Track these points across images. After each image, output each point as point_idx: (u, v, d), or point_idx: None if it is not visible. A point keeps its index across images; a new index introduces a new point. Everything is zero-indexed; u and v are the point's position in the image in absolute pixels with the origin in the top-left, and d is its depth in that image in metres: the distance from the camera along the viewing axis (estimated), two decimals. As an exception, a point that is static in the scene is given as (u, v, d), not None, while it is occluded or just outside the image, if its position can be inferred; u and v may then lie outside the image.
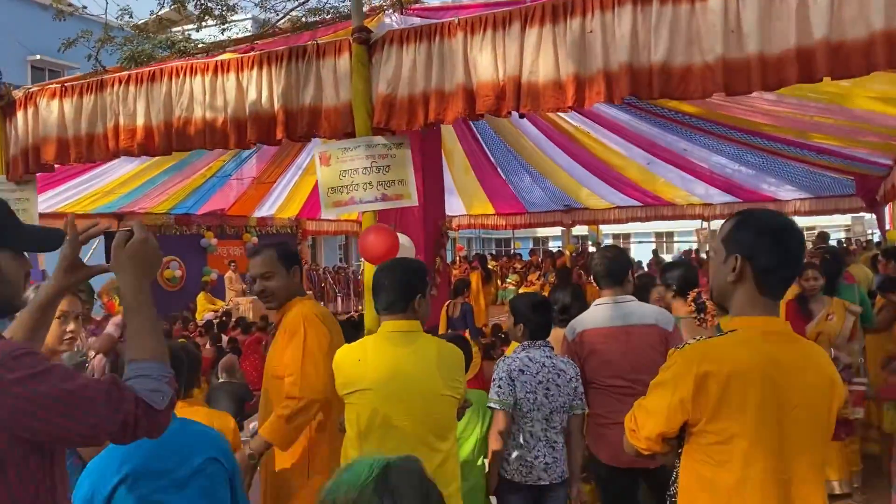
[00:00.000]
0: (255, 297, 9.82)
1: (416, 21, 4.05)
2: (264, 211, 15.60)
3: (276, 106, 3.96)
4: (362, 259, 15.33)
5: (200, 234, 14.89)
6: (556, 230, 25.88)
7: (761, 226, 1.76)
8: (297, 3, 7.50)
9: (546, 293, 19.02)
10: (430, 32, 3.57)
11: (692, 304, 3.98)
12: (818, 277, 4.96)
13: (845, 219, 24.58)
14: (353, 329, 3.71)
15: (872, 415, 5.40)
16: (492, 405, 3.20)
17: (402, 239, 3.92)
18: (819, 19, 2.55)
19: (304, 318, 2.98)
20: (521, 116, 3.57)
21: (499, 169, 13.21)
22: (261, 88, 4.02)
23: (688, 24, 2.83)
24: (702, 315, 3.87)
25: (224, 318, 11.40)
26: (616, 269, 3.45)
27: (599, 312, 3.43)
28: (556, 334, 3.56)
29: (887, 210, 10.22)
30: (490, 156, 12.52)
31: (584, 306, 3.78)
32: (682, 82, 2.87)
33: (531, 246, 30.34)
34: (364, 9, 4.29)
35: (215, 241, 15.21)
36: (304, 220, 17.11)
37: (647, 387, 3.14)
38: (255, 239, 16.12)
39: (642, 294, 4.96)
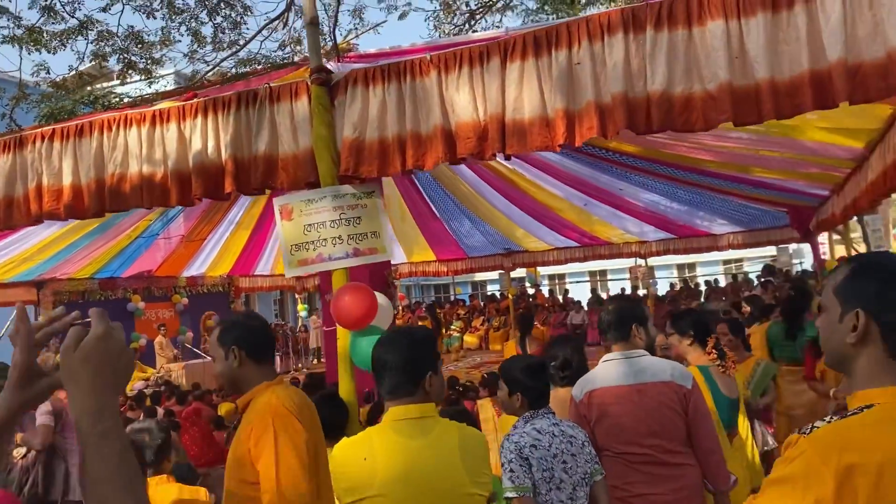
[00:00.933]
0: (187, 362, 9.13)
1: (380, 61, 3.79)
2: (194, 270, 14.96)
3: (225, 156, 3.60)
4: (301, 315, 14.80)
5: (127, 299, 14.12)
6: (494, 274, 25.95)
7: (885, 272, 1.43)
8: (228, 53, 7.21)
9: (490, 338, 18.73)
10: (398, 71, 3.32)
11: (713, 351, 3.69)
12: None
13: (771, 250, 25.61)
14: (330, 405, 3.26)
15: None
16: (509, 495, 2.70)
17: (380, 299, 3.54)
18: (833, 39, 2.46)
19: (273, 413, 2.40)
20: (507, 158, 3.33)
21: (438, 214, 13.09)
22: (206, 138, 3.66)
23: (686, 51, 2.70)
24: (724, 363, 3.64)
25: (157, 388, 10.70)
26: (626, 320, 3.09)
27: (610, 369, 3.08)
28: (556, 395, 3.22)
29: (827, 238, 10.53)
30: (429, 201, 12.38)
31: (584, 361, 3.51)
32: (685, 112, 2.71)
33: (469, 291, 30.29)
34: (296, 59, 3.99)
35: (143, 305, 14.44)
36: (237, 278, 16.51)
37: (667, 453, 2.88)
38: (185, 300, 15.40)
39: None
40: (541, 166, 9.93)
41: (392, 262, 13.42)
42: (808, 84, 2.45)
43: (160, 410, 8.29)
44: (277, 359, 16.70)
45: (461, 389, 7.75)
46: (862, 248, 10.86)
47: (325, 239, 3.51)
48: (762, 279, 15.03)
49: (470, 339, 18.28)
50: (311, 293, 19.01)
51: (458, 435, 2.17)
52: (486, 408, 6.91)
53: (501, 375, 3.02)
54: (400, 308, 18.36)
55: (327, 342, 8.83)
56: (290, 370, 16.80)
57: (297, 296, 18.93)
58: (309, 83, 3.50)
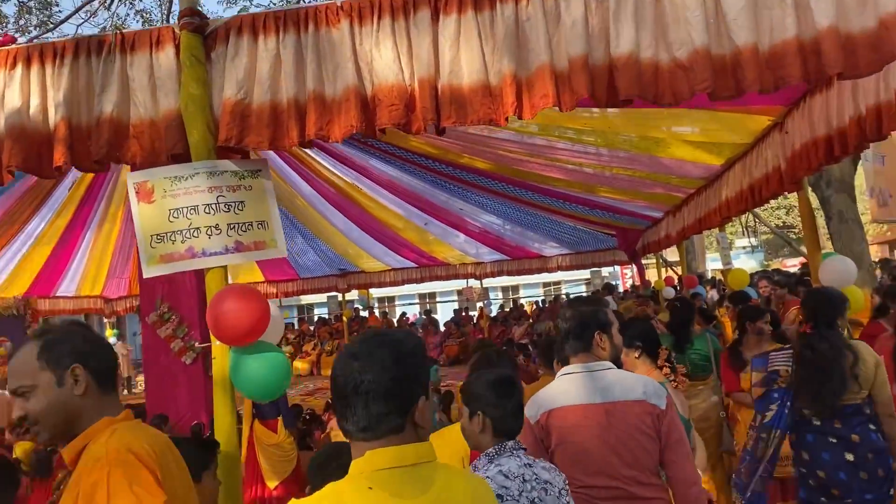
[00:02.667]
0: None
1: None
2: (-21, 290, 12.84)
3: (55, 119, 2.76)
4: (111, 341, 13.18)
5: None
6: (322, 297, 25.16)
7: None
8: (36, 34, 6.14)
9: (322, 363, 17.88)
10: (297, 19, 2.66)
11: (666, 364, 3.34)
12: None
13: (585, 273, 27.19)
14: (198, 449, 2.48)
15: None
16: None
17: (271, 308, 2.90)
18: (823, 3, 2.21)
19: (111, 462, 1.67)
20: (440, 132, 2.77)
21: (269, 231, 12.24)
22: (28, 94, 2.77)
23: (655, 11, 2.38)
24: (675, 377, 3.31)
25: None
26: (587, 326, 2.61)
27: (570, 385, 2.58)
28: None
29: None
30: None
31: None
32: (654, 81, 2.41)
33: (296, 315, 29.08)
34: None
35: None
36: (35, 299, 14.44)
37: (640, 486, 2.43)
38: (-36, 327, 13.13)
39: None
40: (381, 182, 9.56)
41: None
42: (797, 53, 2.28)
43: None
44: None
45: (308, 418, 7.10)
46: (679, 270, 11.64)
47: (197, 228, 2.77)
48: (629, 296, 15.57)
49: (301, 365, 17.37)
50: (121, 317, 17.12)
51: (466, 487, 1.54)
52: (339, 434, 6.30)
53: (461, 394, 2.46)
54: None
55: (148, 369, 7.79)
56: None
57: (105, 320, 16.97)
58: (177, 30, 2.74)
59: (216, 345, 2.62)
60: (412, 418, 1.46)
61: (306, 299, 29.68)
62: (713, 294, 12.49)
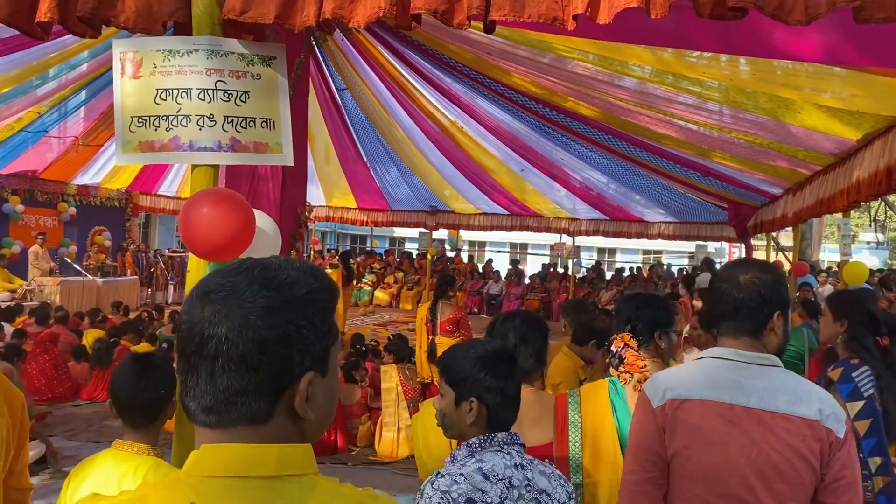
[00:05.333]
0: (63, 279, 7.86)
1: None
2: (88, 178, 13.48)
3: None
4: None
5: (4, 198, 12.51)
6: (414, 231, 25.32)
7: None
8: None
9: (402, 296, 18.09)
10: None
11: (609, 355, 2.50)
12: None
13: (689, 246, 25.92)
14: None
15: None
16: None
17: (262, 219, 2.56)
18: None
19: None
20: (489, 30, 2.20)
21: (365, 158, 12.11)
22: None
23: None
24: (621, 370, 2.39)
25: (19, 302, 9.39)
26: (758, 303, 1.86)
27: (715, 374, 1.86)
28: (527, 396, 2.06)
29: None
30: (358, 144, 11.39)
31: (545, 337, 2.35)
32: None
33: (387, 245, 29.41)
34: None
35: (22, 208, 12.84)
36: (137, 194, 15.07)
37: None
38: (72, 210, 13.88)
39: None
40: (485, 123, 9.14)
41: (309, 202, 12.44)
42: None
43: (8, 328, 7.11)
44: (171, 287, 15.44)
45: (364, 350, 6.94)
46: (791, 256, 10.67)
47: (186, 116, 2.38)
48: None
49: (381, 295, 17.50)
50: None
51: None
52: (389, 375, 6.15)
53: (442, 372, 1.93)
54: (312, 252, 17.33)
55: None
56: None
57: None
58: None
59: (192, 257, 2.32)
60: (287, 404, 0.95)
61: (399, 232, 29.96)
62: (828, 287, 11.45)
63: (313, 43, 6.84)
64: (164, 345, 7.30)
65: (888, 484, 2.81)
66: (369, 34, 6.57)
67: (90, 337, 7.35)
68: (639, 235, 13.61)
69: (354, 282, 14.99)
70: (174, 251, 16.71)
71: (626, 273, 18.37)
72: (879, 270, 15.06)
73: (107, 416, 6.22)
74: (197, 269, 2.37)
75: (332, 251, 19.90)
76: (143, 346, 7.72)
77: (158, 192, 15.19)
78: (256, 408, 0.94)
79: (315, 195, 13.91)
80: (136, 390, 2.06)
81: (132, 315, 10.10)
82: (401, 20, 2.14)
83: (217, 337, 0.92)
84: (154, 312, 10.11)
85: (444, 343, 6.59)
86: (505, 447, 1.78)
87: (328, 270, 11.73)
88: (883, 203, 16.93)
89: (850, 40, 3.21)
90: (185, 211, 2.18)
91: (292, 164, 2.53)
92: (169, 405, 2.14)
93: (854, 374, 2.97)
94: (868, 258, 29.98)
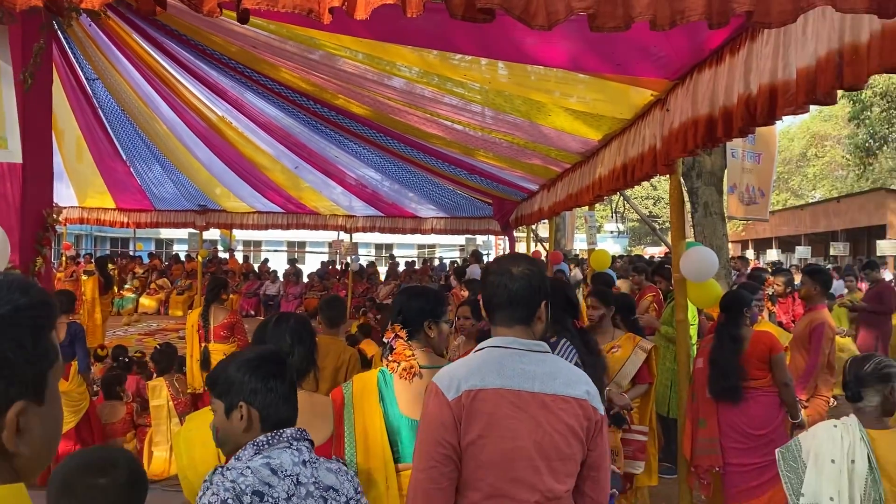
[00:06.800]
0: None
1: None
2: None
3: None
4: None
5: None
6: (183, 232, 23.86)
7: None
8: None
9: (171, 302, 16.97)
10: None
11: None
12: (598, 307, 4.50)
13: (460, 239, 27.25)
14: None
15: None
16: None
17: None
18: None
19: None
20: (244, 18, 2.04)
21: (123, 155, 11.16)
22: None
23: None
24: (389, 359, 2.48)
25: None
26: (529, 293, 1.97)
27: (496, 363, 1.93)
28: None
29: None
30: (114, 139, 10.46)
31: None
32: None
33: (153, 248, 27.34)
34: None
35: None
36: None
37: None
38: None
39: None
40: (255, 119, 8.85)
41: (58, 203, 11.18)
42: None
43: None
44: None
45: (127, 362, 6.39)
46: (548, 246, 11.66)
47: None
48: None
49: (148, 302, 16.26)
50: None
51: None
52: (158, 391, 5.70)
53: (210, 387, 1.86)
54: (64, 258, 15.62)
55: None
56: None
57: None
58: None
59: None
60: None
61: (166, 233, 28.06)
62: (577, 272, 12.67)
63: (56, 28, 6.15)
64: None
65: None
66: (121, 20, 6.05)
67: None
68: (413, 231, 14.05)
69: (115, 289, 13.76)
70: None
71: (403, 267, 18.87)
72: (620, 256, 16.97)
73: None
74: None
75: (87, 256, 18.07)
76: None
77: None
78: None
79: (66, 195, 12.53)
80: None
81: None
82: (143, 3, 1.98)
83: None
84: None
85: (217, 349, 6.28)
86: (294, 443, 1.75)
87: (83, 278, 10.66)
88: (621, 196, 19.11)
89: (589, 48, 3.57)
90: None
91: (20, 161, 2.25)
92: None
93: (557, 349, 3.27)
94: (612, 246, 33.79)
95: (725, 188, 10.19)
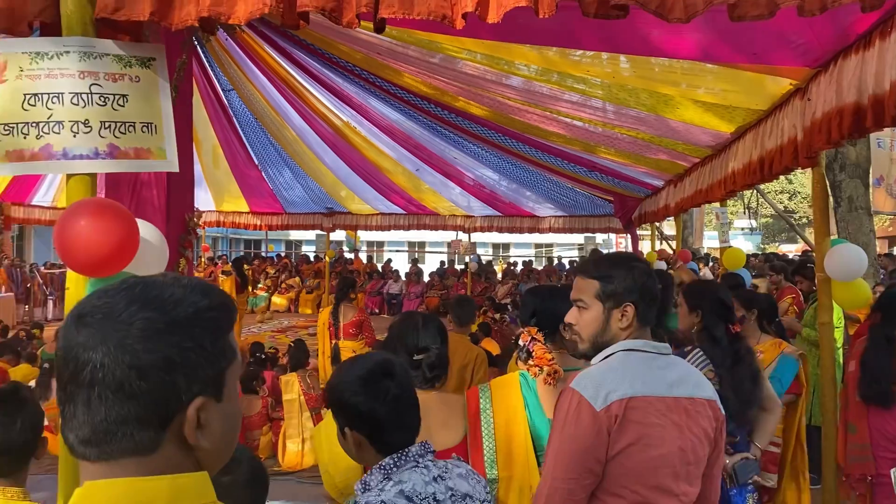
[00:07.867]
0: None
1: None
2: (-51, 189, 12.41)
3: None
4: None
5: None
6: (311, 234, 24.88)
7: None
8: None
9: (301, 300, 17.71)
10: None
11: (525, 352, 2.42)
12: (738, 309, 4.17)
13: (579, 238, 26.84)
14: None
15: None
16: None
17: (146, 230, 2.37)
18: None
19: None
20: (379, 29, 2.18)
21: (256, 161, 11.79)
22: None
23: None
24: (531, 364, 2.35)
25: None
26: (654, 295, 1.93)
27: (636, 369, 1.86)
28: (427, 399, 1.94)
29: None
30: (248, 146, 11.07)
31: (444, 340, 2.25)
32: None
33: (283, 249, 28.75)
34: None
35: None
36: (9, 205, 14.01)
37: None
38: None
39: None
40: (378, 124, 9.10)
41: (198, 208, 11.95)
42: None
43: None
44: (51, 303, 14.50)
45: (263, 358, 6.74)
46: (674, 245, 11.24)
47: (59, 122, 2.20)
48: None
49: (279, 301, 17.10)
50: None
51: None
52: (291, 385, 5.99)
53: (328, 398, 1.79)
54: (203, 259, 16.72)
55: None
56: (63, 317, 14.69)
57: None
58: None
59: (70, 273, 2.16)
60: (177, 433, 0.87)
61: (295, 235, 29.36)
62: (706, 272, 12.15)
63: (196, 43, 6.59)
64: (46, 365, 6.83)
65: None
66: (255, 33, 6.39)
67: (18, 374, 6.75)
68: (530, 230, 13.94)
69: (250, 288, 14.57)
70: (53, 265, 15.67)
71: (521, 267, 18.80)
72: (754, 255, 16.11)
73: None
74: (76, 287, 2.20)
75: (224, 257, 19.25)
76: (23, 368, 7.19)
77: (32, 203, 14.19)
78: (140, 438, 0.86)
79: (204, 200, 13.40)
80: (9, 433, 1.82)
81: (10, 334, 9.39)
82: (287, 18, 2.06)
83: (92, 363, 0.84)
84: (33, 330, 9.42)
85: (347, 346, 6.50)
86: (421, 461, 1.67)
87: (221, 278, 11.34)
88: (754, 191, 18.11)
89: (721, 38, 3.40)
90: (60, 224, 2.01)
91: (177, 170, 2.40)
92: (40, 444, 1.94)
93: (687, 359, 3.08)
94: (743, 243, 32.06)
95: (871, 180, 9.45)
